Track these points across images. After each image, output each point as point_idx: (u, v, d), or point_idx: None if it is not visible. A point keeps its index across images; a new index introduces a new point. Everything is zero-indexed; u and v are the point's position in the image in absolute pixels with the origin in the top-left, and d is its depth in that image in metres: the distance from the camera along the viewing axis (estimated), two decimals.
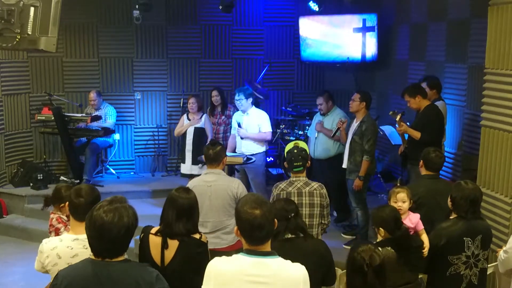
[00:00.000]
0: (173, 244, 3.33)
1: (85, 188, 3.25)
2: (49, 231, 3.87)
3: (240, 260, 2.50)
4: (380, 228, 3.57)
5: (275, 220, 2.59)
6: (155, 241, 3.36)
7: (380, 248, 3.39)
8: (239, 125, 6.50)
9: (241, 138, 6.51)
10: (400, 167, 7.51)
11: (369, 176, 6.00)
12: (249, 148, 6.46)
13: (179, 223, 3.34)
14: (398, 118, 5.61)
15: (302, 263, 2.57)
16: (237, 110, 6.69)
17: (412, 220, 4.02)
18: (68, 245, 3.03)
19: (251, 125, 6.48)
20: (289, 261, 2.55)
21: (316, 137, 6.55)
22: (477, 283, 3.63)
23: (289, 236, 3.41)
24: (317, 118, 6.71)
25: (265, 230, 2.48)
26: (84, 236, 3.01)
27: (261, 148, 6.52)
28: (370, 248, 2.70)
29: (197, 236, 3.40)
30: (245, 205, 2.51)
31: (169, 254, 3.33)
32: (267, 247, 2.54)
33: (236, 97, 6.49)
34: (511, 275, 3.87)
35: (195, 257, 3.32)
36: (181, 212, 3.36)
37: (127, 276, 2.42)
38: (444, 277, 3.59)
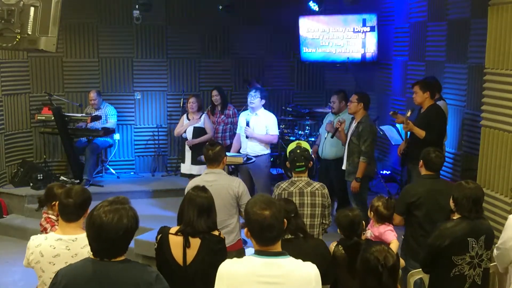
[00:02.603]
0: (195, 243, 3.36)
1: (76, 189, 3.21)
2: (40, 230, 3.87)
3: (252, 261, 2.50)
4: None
5: (285, 220, 2.59)
6: (175, 241, 3.38)
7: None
8: (247, 124, 6.43)
9: (247, 137, 6.44)
10: (401, 168, 7.54)
11: (368, 178, 5.97)
12: (254, 149, 6.40)
13: (200, 220, 3.38)
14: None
15: None
16: (237, 110, 6.66)
17: (379, 230, 4.09)
18: (51, 245, 3.02)
19: (259, 126, 6.42)
20: (300, 261, 2.55)
21: (325, 137, 6.51)
22: (480, 283, 3.62)
23: (289, 236, 3.42)
24: (328, 117, 6.68)
25: (275, 230, 2.48)
26: (68, 237, 3.03)
27: (266, 150, 6.47)
28: (384, 249, 2.69)
29: (216, 233, 3.44)
30: (254, 206, 2.50)
31: (192, 252, 3.35)
32: (278, 247, 2.54)
33: (252, 93, 6.46)
34: (507, 273, 3.88)
35: (216, 254, 3.36)
36: (201, 210, 3.40)
37: (127, 276, 2.42)
38: (447, 278, 3.58)
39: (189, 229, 3.37)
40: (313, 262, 2.63)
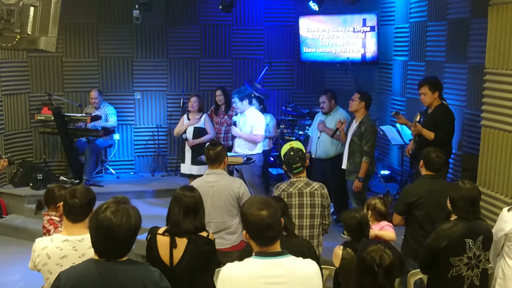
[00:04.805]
0: (182, 243, 3.34)
1: (80, 189, 3.19)
2: (43, 233, 3.86)
3: (253, 263, 2.50)
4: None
5: (282, 219, 2.59)
6: (163, 241, 3.37)
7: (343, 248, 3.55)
8: (234, 124, 6.62)
9: (234, 136, 6.64)
10: (401, 168, 7.54)
11: (368, 177, 6.00)
12: (242, 148, 6.50)
13: (187, 220, 3.35)
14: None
15: None
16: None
17: (380, 225, 4.11)
18: (58, 246, 3.01)
19: (245, 126, 6.52)
20: (300, 258, 2.55)
21: (318, 137, 6.52)
22: (478, 284, 3.62)
23: None
24: (319, 117, 6.69)
25: (275, 230, 2.49)
26: (75, 238, 3.01)
27: (255, 150, 6.49)
28: (379, 248, 2.69)
29: (204, 234, 3.41)
30: (251, 208, 2.50)
31: (178, 253, 3.33)
32: (277, 247, 2.53)
33: (232, 99, 6.65)
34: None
35: (204, 255, 3.34)
36: (188, 210, 3.38)
37: (133, 276, 2.42)
38: (445, 279, 3.58)
39: (175, 229, 3.35)
40: None
